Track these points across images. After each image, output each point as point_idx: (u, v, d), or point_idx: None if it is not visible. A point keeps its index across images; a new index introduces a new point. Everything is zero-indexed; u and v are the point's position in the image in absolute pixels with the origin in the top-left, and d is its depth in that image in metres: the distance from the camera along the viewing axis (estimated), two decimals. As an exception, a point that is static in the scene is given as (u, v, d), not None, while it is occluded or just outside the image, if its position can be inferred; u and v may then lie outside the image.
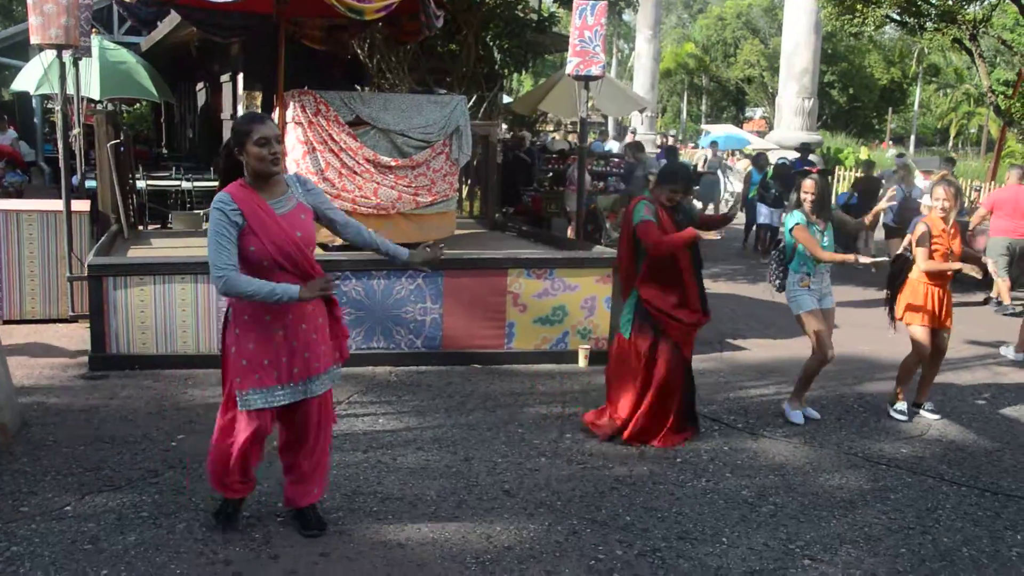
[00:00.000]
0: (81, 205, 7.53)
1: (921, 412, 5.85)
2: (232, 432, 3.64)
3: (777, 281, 5.65)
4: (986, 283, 10.08)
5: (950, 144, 41.96)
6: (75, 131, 7.40)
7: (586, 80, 6.84)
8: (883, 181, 12.96)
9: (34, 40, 6.51)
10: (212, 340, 6.24)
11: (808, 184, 5.44)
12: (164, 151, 17.86)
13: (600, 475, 4.63)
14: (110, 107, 16.00)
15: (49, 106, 17.45)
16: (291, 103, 6.55)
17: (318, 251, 6.80)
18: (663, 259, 4.93)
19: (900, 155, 16.08)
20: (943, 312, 5.70)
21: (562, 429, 5.30)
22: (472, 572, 3.58)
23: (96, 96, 11.82)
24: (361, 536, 3.84)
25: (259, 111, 9.22)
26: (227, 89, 12.29)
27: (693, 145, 29.56)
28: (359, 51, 10.75)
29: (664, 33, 44.80)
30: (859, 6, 13.68)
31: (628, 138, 18.41)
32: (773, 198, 12.77)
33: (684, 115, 47.08)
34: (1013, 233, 9.53)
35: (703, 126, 37.86)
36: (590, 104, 8.16)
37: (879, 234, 13.17)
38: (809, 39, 20.61)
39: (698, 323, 5.12)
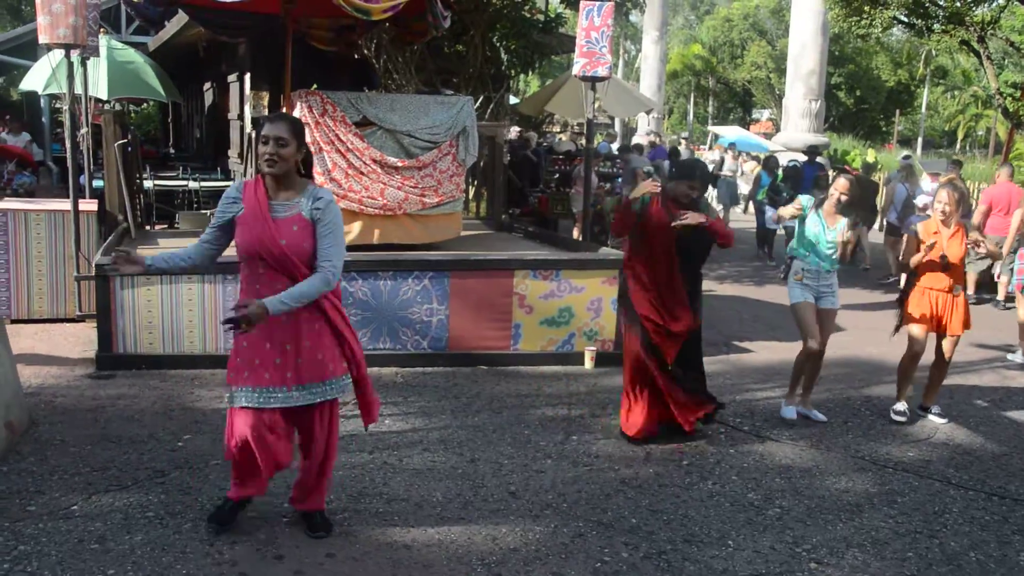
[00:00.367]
0: (89, 205, 7.55)
1: (928, 416, 5.84)
2: (230, 431, 3.67)
3: (784, 269, 5.75)
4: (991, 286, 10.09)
5: (958, 146, 41.75)
6: (83, 131, 7.43)
7: (593, 81, 6.83)
8: (884, 184, 12.98)
9: (42, 40, 6.53)
10: (219, 340, 6.25)
11: (842, 184, 5.52)
12: (171, 151, 17.88)
13: (606, 477, 4.62)
14: (118, 107, 16.03)
15: (57, 106, 17.50)
16: (298, 103, 6.55)
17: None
18: (643, 254, 5.03)
19: (906, 156, 16.04)
20: (947, 318, 5.66)
21: (568, 431, 5.29)
22: (478, 574, 3.58)
23: (104, 96, 11.85)
24: (367, 537, 3.84)
25: (266, 111, 9.23)
26: (234, 89, 12.29)
27: (701, 147, 29.50)
28: (366, 51, 10.76)
29: (671, 34, 44.71)
30: (866, 8, 13.63)
31: (642, 139, 18.41)
32: (785, 201, 12.74)
33: (691, 116, 46.99)
34: (1003, 231, 9.53)
35: (710, 127, 37.78)
36: (597, 105, 8.15)
37: (876, 236, 13.17)
38: (816, 41, 20.56)
39: (674, 330, 5.00)
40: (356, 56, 8.87)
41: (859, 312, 9.27)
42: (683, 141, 20.93)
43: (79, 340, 6.93)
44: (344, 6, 5.89)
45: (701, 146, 29.40)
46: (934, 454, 5.20)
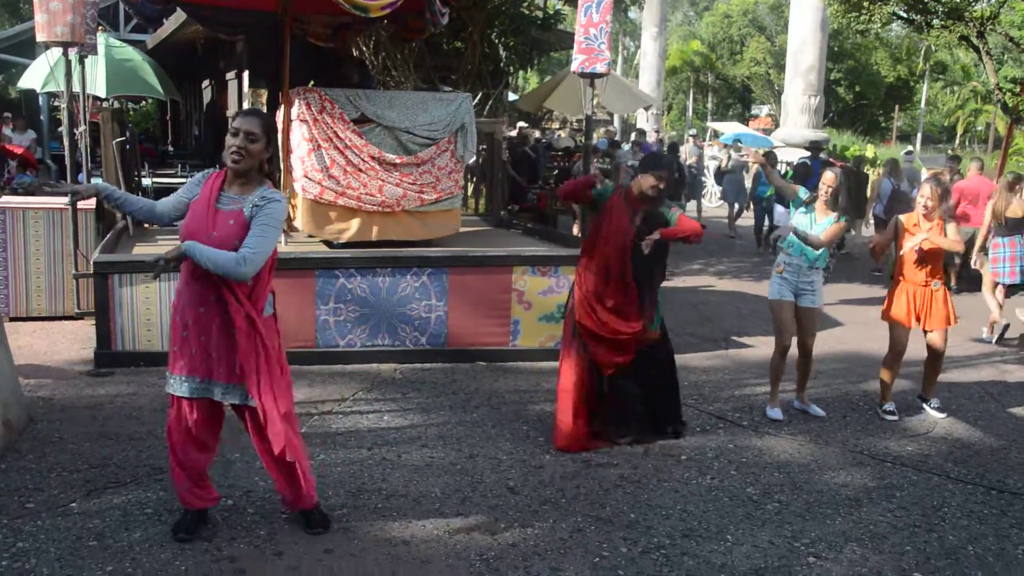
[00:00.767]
0: (87, 203, 7.54)
1: (927, 408, 5.84)
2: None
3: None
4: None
5: (957, 142, 41.75)
6: (81, 128, 7.41)
7: (591, 77, 6.82)
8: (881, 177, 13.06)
9: (40, 38, 6.53)
10: (217, 337, 6.24)
11: (828, 177, 5.53)
12: (170, 149, 17.87)
13: (605, 472, 4.62)
14: (116, 105, 16.01)
15: (55, 104, 17.48)
16: (296, 100, 6.55)
17: (323, 248, 6.85)
18: (596, 253, 4.88)
19: (908, 152, 16.04)
20: (925, 312, 5.62)
21: (567, 426, 5.28)
22: (476, 569, 3.58)
23: (102, 94, 11.83)
24: (365, 533, 3.84)
25: (265, 108, 9.23)
26: (232, 86, 12.31)
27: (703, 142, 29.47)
28: (364, 48, 10.76)
29: (670, 30, 44.72)
30: (866, 3, 13.61)
31: (655, 136, 18.28)
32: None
33: (690, 113, 46.97)
34: (977, 223, 9.53)
35: (709, 123, 37.77)
36: (596, 101, 8.14)
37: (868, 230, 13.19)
38: (815, 36, 20.58)
39: (623, 332, 4.87)
40: (349, 57, 8.86)
41: (856, 307, 9.28)
42: (691, 139, 20.74)
43: (77, 338, 6.93)
44: (342, 3, 5.87)
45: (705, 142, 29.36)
46: (932, 448, 5.20)
